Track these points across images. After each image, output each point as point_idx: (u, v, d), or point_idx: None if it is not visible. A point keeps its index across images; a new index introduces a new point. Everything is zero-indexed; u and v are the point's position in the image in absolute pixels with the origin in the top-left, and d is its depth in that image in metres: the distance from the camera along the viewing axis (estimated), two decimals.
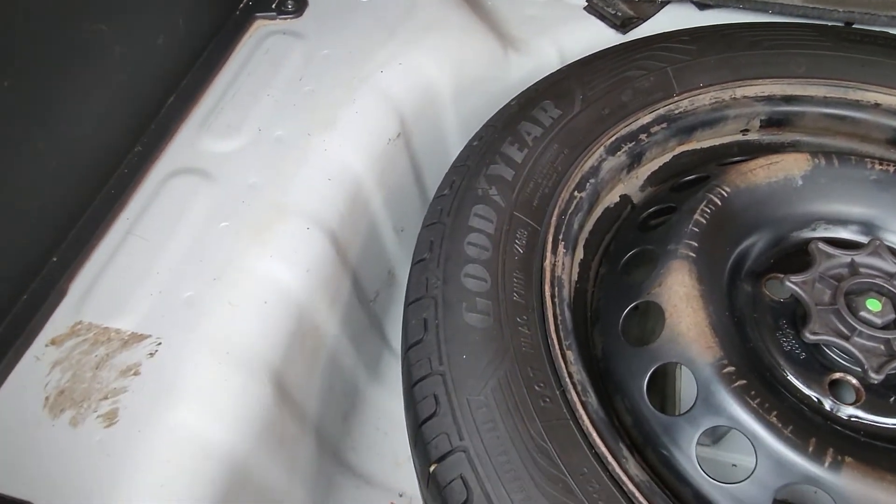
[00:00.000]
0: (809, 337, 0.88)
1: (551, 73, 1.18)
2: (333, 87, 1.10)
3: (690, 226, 0.98)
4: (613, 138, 1.10)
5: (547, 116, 1.09)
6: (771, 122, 1.18)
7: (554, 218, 0.99)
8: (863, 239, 1.04)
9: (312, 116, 1.06)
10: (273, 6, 1.22)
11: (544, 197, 1.01)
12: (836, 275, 0.96)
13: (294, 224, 0.94)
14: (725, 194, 1.01)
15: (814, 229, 1.05)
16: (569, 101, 1.11)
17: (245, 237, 0.91)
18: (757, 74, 1.17)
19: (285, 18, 1.22)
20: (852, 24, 1.33)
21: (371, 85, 1.11)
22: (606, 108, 1.11)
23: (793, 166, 1.04)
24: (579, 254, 1.06)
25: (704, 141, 1.19)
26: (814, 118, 1.17)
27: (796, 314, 0.96)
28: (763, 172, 1.04)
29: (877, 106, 1.15)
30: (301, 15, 1.23)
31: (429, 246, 0.96)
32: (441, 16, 1.23)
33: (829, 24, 1.23)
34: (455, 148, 1.30)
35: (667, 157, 1.19)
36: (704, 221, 0.99)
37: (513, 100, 1.16)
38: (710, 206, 1.00)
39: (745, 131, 1.20)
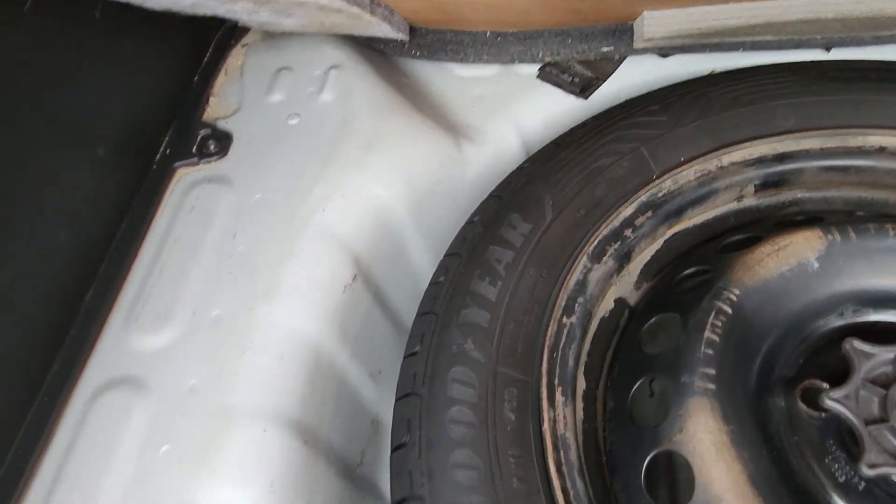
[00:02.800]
0: (867, 472, 0.74)
1: (511, 175, 1.05)
2: (271, 241, 0.96)
3: (703, 348, 0.84)
4: (595, 243, 0.96)
5: (517, 234, 0.96)
6: (767, 185, 1.05)
7: (545, 363, 0.86)
8: None
9: (252, 284, 0.93)
10: (193, 150, 1.09)
11: (529, 338, 0.88)
12: (881, 377, 0.82)
13: (245, 432, 0.81)
14: (735, 298, 0.88)
15: (842, 314, 0.91)
16: (538, 209, 0.98)
17: (189, 463, 0.77)
18: (741, 137, 1.03)
19: (209, 162, 1.09)
20: (831, 48, 1.21)
21: (314, 229, 0.98)
22: (581, 210, 0.98)
23: (805, 248, 0.91)
24: (581, 385, 0.93)
25: (696, 217, 1.06)
26: (813, 173, 1.04)
27: (843, 431, 0.83)
28: (773, 262, 0.90)
29: (882, 150, 1.02)
30: (226, 154, 1.10)
31: (406, 426, 0.83)
32: (378, 127, 1.10)
33: (811, 61, 1.10)
34: (423, 266, 1.18)
35: (658, 244, 1.05)
36: (717, 339, 0.85)
37: (474, 214, 1.03)
38: (721, 318, 0.86)
39: (740, 198, 1.07)
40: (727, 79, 1.09)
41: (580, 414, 0.91)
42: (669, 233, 1.05)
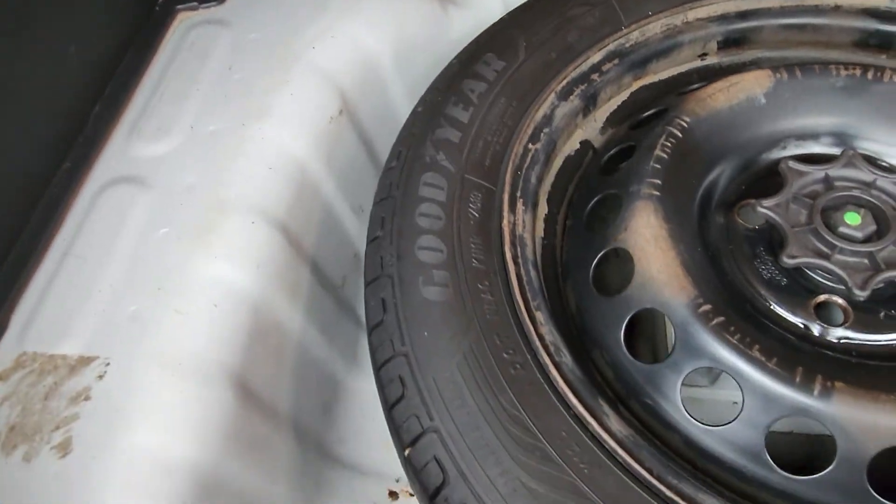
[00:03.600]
0: (787, 261, 0.84)
1: (492, 25, 1.12)
2: (264, 71, 1.04)
3: (652, 163, 0.92)
4: (564, 83, 1.04)
5: (490, 70, 1.04)
6: (729, 43, 1.12)
7: (508, 175, 0.94)
8: (837, 151, 0.99)
9: (245, 105, 1.01)
10: None
11: (496, 155, 0.96)
12: (811, 192, 0.91)
13: (237, 220, 0.90)
14: (686, 125, 0.96)
15: (784, 148, 1.00)
16: (512, 50, 1.05)
17: (186, 241, 0.87)
18: None
19: (209, 6, 1.16)
20: None
21: (304, 64, 1.06)
22: (553, 52, 1.05)
23: (754, 85, 0.98)
24: (543, 209, 1.01)
25: (662, 72, 1.13)
26: (773, 31, 1.11)
27: (773, 240, 0.91)
28: (723, 96, 0.98)
29: (837, 8, 1.08)
30: (224, 1, 1.17)
31: (380, 223, 0.92)
32: None
33: None
34: (405, 116, 1.25)
35: (625, 95, 1.13)
36: (666, 156, 0.93)
37: (455, 58, 1.10)
38: (671, 140, 0.94)
39: (703, 56, 1.14)
40: None
41: (540, 232, 1.00)
42: (636, 84, 1.12)
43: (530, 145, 0.99)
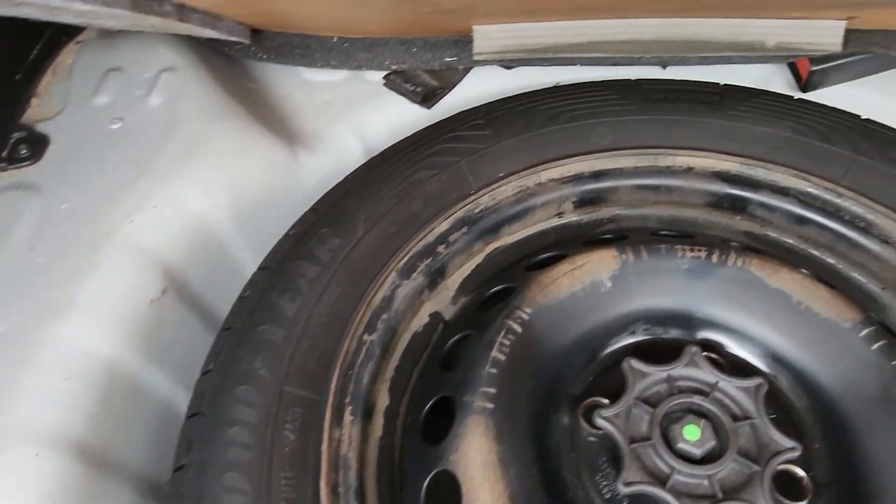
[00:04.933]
0: (623, 489, 0.78)
1: (333, 188, 1.05)
2: (72, 253, 0.93)
3: (487, 368, 0.85)
4: (406, 259, 0.97)
5: (325, 249, 0.95)
6: (584, 203, 1.08)
7: (335, 380, 0.86)
8: (686, 335, 0.95)
9: (45, 298, 0.90)
10: (3, 155, 1.04)
11: (324, 355, 0.87)
12: (653, 396, 0.85)
13: (16, 454, 0.79)
14: (526, 317, 0.90)
15: (633, 333, 0.95)
16: (350, 224, 0.97)
17: None
18: (561, 153, 1.05)
19: (19, 167, 1.05)
20: (666, 66, 1.24)
21: (119, 241, 0.95)
22: (395, 225, 0.98)
23: (599, 268, 0.93)
24: (383, 402, 0.93)
25: (516, 234, 1.08)
26: (628, 191, 1.07)
27: (614, 449, 0.86)
28: (567, 281, 0.93)
29: (690, 170, 1.05)
30: (38, 160, 1.06)
31: (187, 447, 0.82)
32: (203, 133, 1.07)
33: (632, 80, 1.13)
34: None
35: (479, 259, 1.06)
36: (503, 358, 0.87)
37: (292, 227, 1.02)
38: (510, 337, 0.88)
39: (560, 214, 1.09)
40: (550, 95, 1.11)
41: (378, 431, 0.91)
42: (489, 248, 1.06)
43: (365, 336, 0.91)
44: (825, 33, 1.05)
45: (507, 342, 0.87)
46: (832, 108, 1.06)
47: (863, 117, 1.05)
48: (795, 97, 1.08)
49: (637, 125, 1.06)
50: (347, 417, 0.85)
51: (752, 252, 0.92)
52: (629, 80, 1.12)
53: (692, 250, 0.93)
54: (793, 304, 0.88)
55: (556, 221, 1.09)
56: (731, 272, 0.91)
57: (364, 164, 1.07)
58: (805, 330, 0.87)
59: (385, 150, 1.09)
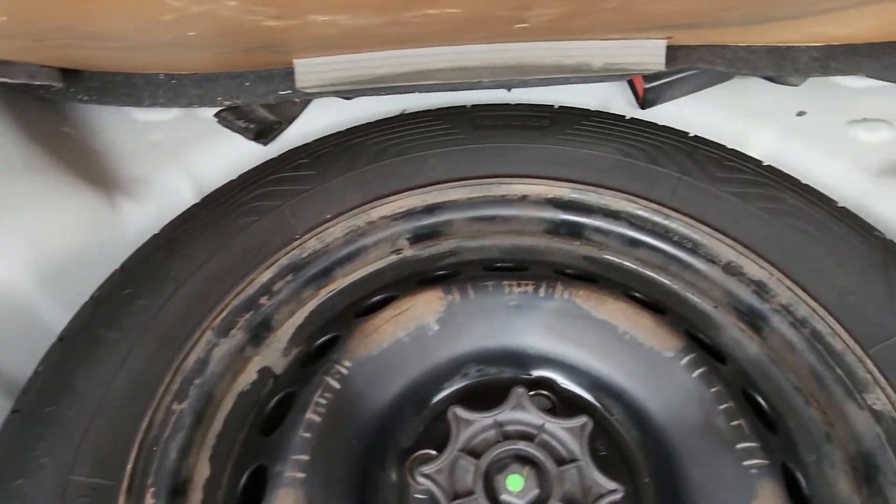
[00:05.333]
0: None
1: (145, 242, 0.97)
2: None
3: (300, 432, 0.80)
4: (223, 315, 0.90)
5: (129, 313, 0.88)
6: (420, 238, 1.04)
7: (132, 462, 0.78)
8: (521, 373, 0.92)
9: None
10: None
11: (122, 433, 0.80)
12: (480, 444, 0.81)
13: None
14: (346, 371, 0.84)
15: (466, 375, 0.91)
16: (157, 283, 0.90)
17: None
18: (390, 189, 1.01)
19: None
20: (510, 88, 1.22)
21: None
22: (209, 280, 0.91)
23: (425, 311, 0.89)
24: (202, 474, 0.85)
25: (351, 275, 1.03)
26: (464, 223, 1.03)
27: None
28: (390, 328, 0.88)
29: (524, 198, 1.03)
30: None
31: None
32: (2, 190, 0.98)
33: (461, 107, 1.09)
34: None
35: (312, 306, 1.00)
36: (319, 419, 0.81)
37: (96, 290, 0.94)
38: (327, 395, 0.82)
39: (397, 251, 1.05)
40: (378, 128, 1.06)
41: None
42: (322, 293, 1.00)
43: (175, 405, 0.83)
44: (647, 53, 1.04)
45: (324, 401, 0.82)
46: (661, 126, 1.05)
47: (691, 135, 1.05)
48: (627, 117, 1.07)
49: (468, 154, 1.03)
50: (149, 500, 0.77)
51: (580, 283, 0.90)
52: (460, 107, 1.09)
53: (519, 285, 0.90)
54: (619, 335, 0.86)
55: (394, 258, 1.04)
56: (558, 305, 0.88)
57: (182, 213, 1.00)
58: (631, 360, 0.85)
59: (205, 196, 1.02)
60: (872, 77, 1.17)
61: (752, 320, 0.91)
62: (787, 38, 1.15)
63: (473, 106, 1.09)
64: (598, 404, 0.87)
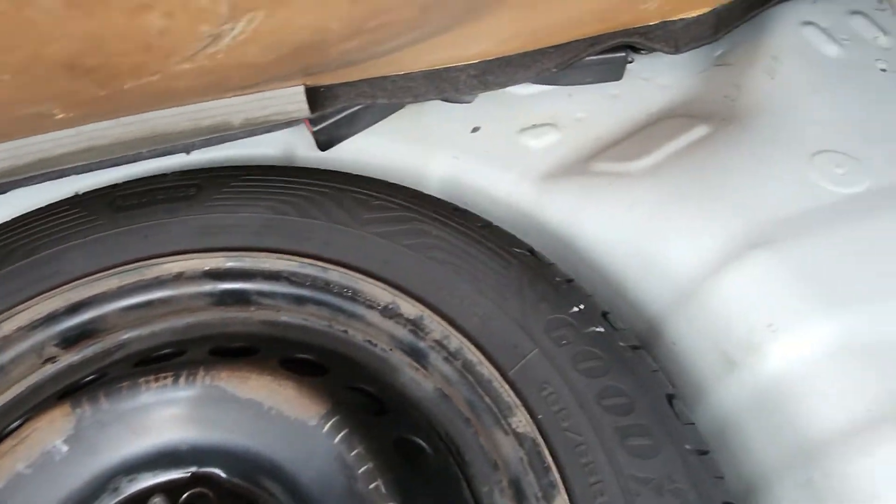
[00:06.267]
0: None
1: None
2: None
3: None
4: None
5: None
6: (71, 341, 0.95)
7: None
8: (182, 472, 0.85)
9: None
10: None
11: None
12: None
13: None
14: None
15: (116, 490, 0.83)
16: None
17: None
18: (24, 296, 0.92)
19: None
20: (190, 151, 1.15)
21: None
22: None
23: (49, 433, 0.80)
24: None
25: None
26: (120, 314, 0.96)
27: None
28: (8, 463, 0.78)
29: (180, 276, 0.96)
30: None
31: None
32: None
33: (99, 189, 1.02)
34: None
35: None
36: None
37: None
38: None
39: (51, 360, 0.96)
40: (11, 229, 0.97)
41: None
42: None
43: None
44: (286, 101, 1.01)
45: None
46: (313, 172, 1.03)
47: (345, 175, 1.03)
48: (280, 167, 1.04)
49: (112, 240, 0.95)
50: None
51: (222, 365, 0.84)
52: (103, 188, 1.02)
53: (157, 380, 0.82)
54: (265, 412, 0.81)
55: (51, 369, 0.95)
56: (201, 393, 0.82)
57: None
58: (281, 437, 0.81)
59: None
60: (534, 82, 1.23)
61: (417, 359, 0.90)
62: (442, 59, 1.16)
63: (114, 186, 1.01)
64: (258, 490, 0.82)
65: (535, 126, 1.19)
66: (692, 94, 1.20)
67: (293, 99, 1.01)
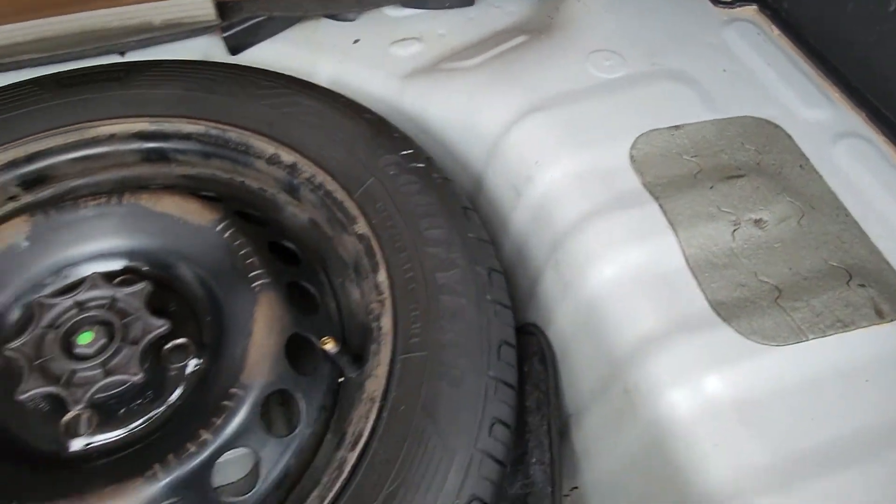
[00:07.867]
0: (20, 397, 0.96)
1: None
2: None
3: None
4: None
5: None
6: (29, 184, 1.24)
7: None
8: (110, 266, 1.15)
9: None
10: None
11: None
12: (62, 321, 1.05)
13: None
14: None
15: (66, 277, 1.14)
16: None
17: None
18: None
19: None
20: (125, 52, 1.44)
21: None
22: None
23: (14, 233, 1.10)
24: None
25: None
26: (68, 165, 1.25)
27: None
28: None
29: (113, 137, 1.26)
30: None
31: None
32: None
33: (51, 74, 1.30)
34: None
35: None
36: None
37: None
38: None
39: (13, 198, 1.24)
40: None
41: None
42: None
43: None
44: (196, 7, 1.31)
45: None
46: (218, 63, 1.33)
47: (242, 66, 1.33)
48: (193, 61, 1.33)
49: (58, 108, 1.24)
50: None
51: (144, 190, 1.15)
52: (50, 73, 1.30)
53: (94, 199, 1.13)
54: (174, 220, 1.12)
55: (10, 206, 1.23)
56: (127, 209, 1.13)
57: None
58: (185, 236, 1.12)
59: None
60: (406, 6, 1.54)
61: (292, 193, 1.22)
62: None
63: (60, 71, 1.29)
64: (167, 275, 1.13)
65: (404, 39, 1.50)
66: (527, 16, 1.53)
67: (201, 6, 1.30)
